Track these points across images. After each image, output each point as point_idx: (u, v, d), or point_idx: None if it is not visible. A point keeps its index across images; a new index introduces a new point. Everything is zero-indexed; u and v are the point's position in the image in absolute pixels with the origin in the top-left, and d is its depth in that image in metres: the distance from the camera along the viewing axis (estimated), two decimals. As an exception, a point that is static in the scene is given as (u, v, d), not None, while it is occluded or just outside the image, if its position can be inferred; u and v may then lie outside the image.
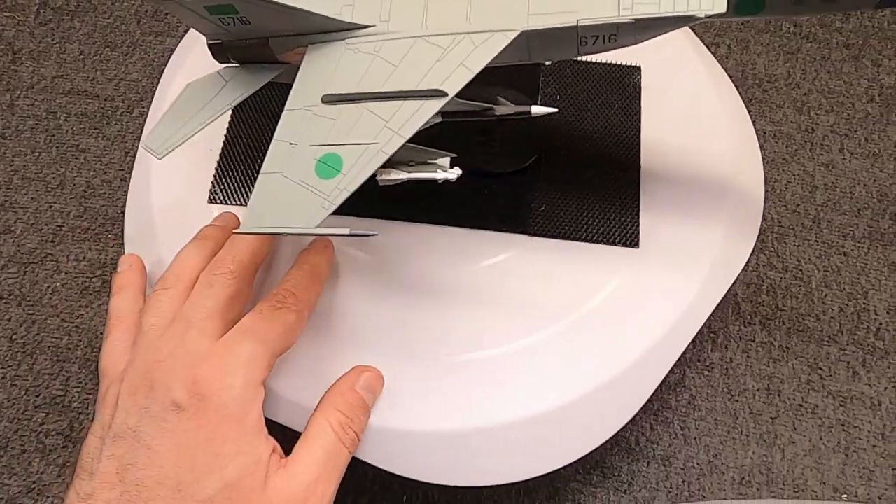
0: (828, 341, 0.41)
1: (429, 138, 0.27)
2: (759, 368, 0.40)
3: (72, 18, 0.52)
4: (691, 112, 0.37)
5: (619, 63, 0.38)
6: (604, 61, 0.39)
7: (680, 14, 0.23)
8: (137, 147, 0.47)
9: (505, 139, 0.36)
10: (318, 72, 0.26)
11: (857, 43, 0.50)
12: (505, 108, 0.26)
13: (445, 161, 0.25)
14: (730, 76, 0.40)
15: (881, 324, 0.41)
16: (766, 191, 0.45)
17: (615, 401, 0.32)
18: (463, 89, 0.24)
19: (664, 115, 0.37)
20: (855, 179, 0.45)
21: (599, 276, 0.33)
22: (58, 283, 0.43)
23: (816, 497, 0.37)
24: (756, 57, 0.50)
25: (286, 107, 0.26)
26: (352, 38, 0.26)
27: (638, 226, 0.34)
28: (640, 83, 0.38)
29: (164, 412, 0.27)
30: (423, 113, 0.24)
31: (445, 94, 0.24)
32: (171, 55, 0.49)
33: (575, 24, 0.24)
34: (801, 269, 0.43)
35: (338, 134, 0.24)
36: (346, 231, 0.24)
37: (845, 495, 0.37)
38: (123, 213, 0.45)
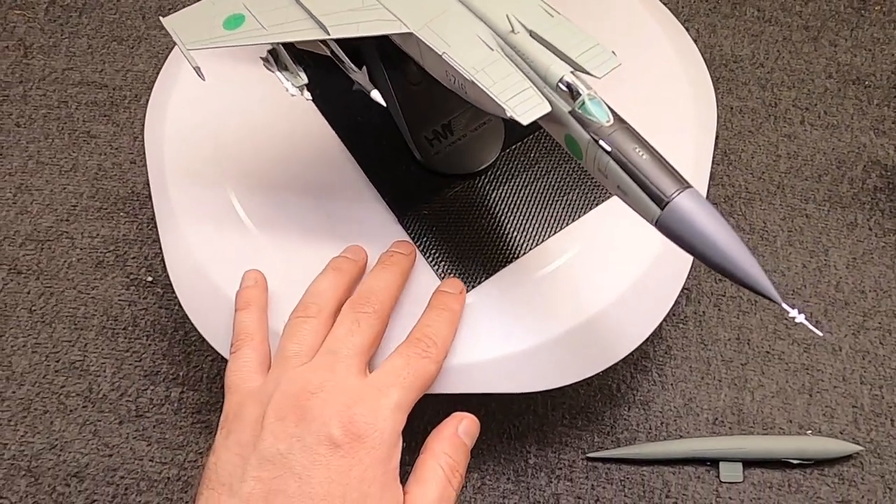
0: (792, 294, 0.44)
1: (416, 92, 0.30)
2: (729, 320, 0.43)
3: (79, 14, 0.55)
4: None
5: (596, 183, 0.37)
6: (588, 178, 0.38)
7: (498, 101, 0.26)
8: (146, 133, 0.50)
9: (461, 145, 0.37)
10: None
11: (816, 25, 0.54)
12: (356, 76, 0.29)
13: (300, 82, 0.29)
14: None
15: (840, 277, 0.44)
16: (734, 160, 0.49)
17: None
18: (345, 41, 0.28)
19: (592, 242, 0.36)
20: (815, 149, 0.49)
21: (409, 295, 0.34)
22: (73, 259, 0.46)
23: (784, 433, 0.40)
24: (723, 39, 0.54)
25: None
26: None
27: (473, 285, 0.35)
28: (584, 209, 0.37)
29: (317, 445, 0.28)
30: (306, 34, 0.28)
31: (328, 34, 0.28)
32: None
33: (441, 53, 0.27)
34: (766, 230, 0.46)
35: (259, 8, 0.29)
36: (196, 65, 0.28)
37: (810, 431, 0.40)
38: (134, 193, 0.48)
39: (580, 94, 0.25)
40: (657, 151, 0.25)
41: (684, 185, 0.24)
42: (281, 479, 0.27)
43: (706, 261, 0.24)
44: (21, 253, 0.46)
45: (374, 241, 0.36)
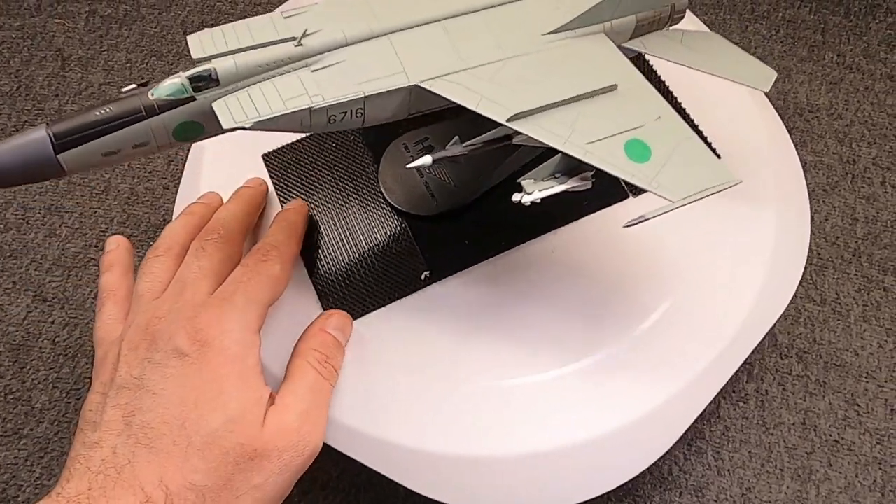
0: (866, 377, 0.40)
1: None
2: (794, 402, 0.40)
3: (120, 27, 0.54)
4: None
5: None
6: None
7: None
8: (181, 156, 0.48)
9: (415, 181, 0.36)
10: None
11: (902, 75, 0.50)
12: None
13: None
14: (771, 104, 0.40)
15: (921, 362, 0.41)
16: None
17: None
18: None
19: None
20: (896, 213, 0.45)
21: None
22: (100, 288, 0.44)
23: (851, 535, 0.37)
24: (798, 86, 0.50)
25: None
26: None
27: None
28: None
29: (166, 359, 0.28)
30: None
31: None
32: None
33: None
34: (839, 303, 0.43)
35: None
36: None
37: (880, 535, 0.37)
38: (166, 221, 0.46)
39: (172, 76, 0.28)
40: (109, 111, 0.27)
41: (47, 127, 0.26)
42: (137, 399, 0.28)
43: None
44: (47, 279, 0.44)
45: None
